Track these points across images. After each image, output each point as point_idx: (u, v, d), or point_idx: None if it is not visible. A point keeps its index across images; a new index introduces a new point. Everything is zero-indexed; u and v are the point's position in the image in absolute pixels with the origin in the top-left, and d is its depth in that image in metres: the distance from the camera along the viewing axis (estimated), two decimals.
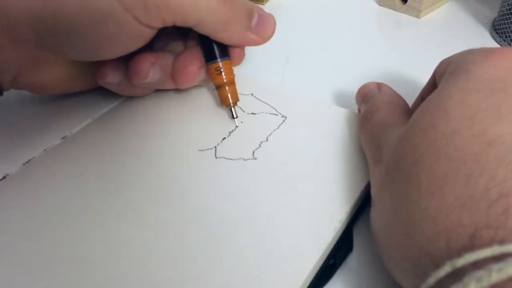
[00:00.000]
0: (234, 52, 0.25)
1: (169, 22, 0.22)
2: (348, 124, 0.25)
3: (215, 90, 0.26)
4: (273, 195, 0.21)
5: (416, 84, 0.29)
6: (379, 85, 0.24)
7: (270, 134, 0.24)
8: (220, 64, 0.25)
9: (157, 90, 0.28)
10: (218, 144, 0.24)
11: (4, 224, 0.20)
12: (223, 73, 0.25)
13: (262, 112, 0.26)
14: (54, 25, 0.20)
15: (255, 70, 0.32)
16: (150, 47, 0.25)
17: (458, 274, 0.12)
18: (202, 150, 0.24)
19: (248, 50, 0.34)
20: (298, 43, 0.36)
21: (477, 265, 0.12)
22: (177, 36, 0.26)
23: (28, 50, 0.22)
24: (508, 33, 0.35)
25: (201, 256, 0.18)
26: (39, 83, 0.24)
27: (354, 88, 0.26)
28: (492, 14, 0.40)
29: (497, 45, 0.35)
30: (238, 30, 0.24)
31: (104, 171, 0.22)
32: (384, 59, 0.34)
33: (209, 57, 0.25)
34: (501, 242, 0.12)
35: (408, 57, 0.34)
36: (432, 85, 0.21)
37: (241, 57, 0.26)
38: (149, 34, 0.22)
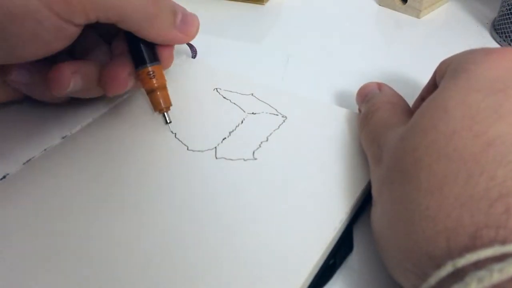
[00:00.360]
0: (163, 55, 0.25)
1: (92, 18, 0.20)
2: (348, 124, 0.25)
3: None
4: (273, 195, 0.21)
5: (416, 84, 0.29)
6: (380, 85, 0.24)
7: (270, 134, 0.24)
8: (150, 69, 0.24)
9: None
10: (218, 145, 0.24)
11: (4, 224, 0.20)
12: (154, 78, 0.24)
13: (262, 112, 0.26)
14: None
15: (255, 70, 0.32)
16: (71, 56, 0.25)
17: (459, 274, 0.13)
18: (202, 151, 0.24)
19: (248, 50, 0.35)
20: (298, 43, 0.36)
21: (478, 265, 0.12)
22: (100, 44, 0.26)
23: None
24: (508, 33, 0.35)
25: (201, 256, 0.18)
26: None
27: (354, 88, 0.26)
28: (492, 14, 0.40)
29: (497, 45, 0.35)
30: (164, 27, 0.24)
31: (104, 171, 0.22)
32: (384, 59, 0.34)
33: (139, 62, 0.24)
34: (502, 242, 0.12)
35: (408, 57, 0.34)
36: (433, 85, 0.21)
37: (171, 59, 0.26)
38: (72, 32, 0.21)
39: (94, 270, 0.18)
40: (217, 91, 0.28)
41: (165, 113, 0.25)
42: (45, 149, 0.24)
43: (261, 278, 0.17)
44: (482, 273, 0.12)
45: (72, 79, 0.22)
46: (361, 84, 0.25)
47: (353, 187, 0.21)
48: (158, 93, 0.24)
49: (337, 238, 0.19)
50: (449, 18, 0.40)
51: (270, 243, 0.19)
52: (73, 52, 0.25)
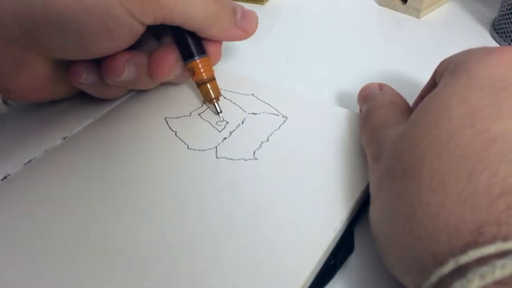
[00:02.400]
0: (211, 50, 0.26)
1: (159, 19, 0.22)
2: (348, 124, 0.25)
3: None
4: (274, 195, 0.21)
5: (416, 84, 0.29)
6: (381, 86, 0.24)
7: (271, 134, 0.24)
8: (199, 61, 0.25)
9: (157, 90, 0.28)
10: (218, 144, 0.24)
11: (5, 224, 0.20)
12: (202, 70, 0.25)
13: (263, 112, 0.26)
14: (44, 19, 0.20)
15: (256, 70, 0.32)
16: None
17: (461, 270, 0.13)
18: (203, 150, 0.24)
19: (248, 50, 0.35)
20: (298, 43, 0.36)
21: (480, 262, 0.12)
22: (150, 39, 0.27)
23: (10, 49, 0.21)
24: (508, 33, 0.35)
25: (201, 256, 0.18)
26: (16, 87, 0.23)
27: (353, 88, 0.26)
28: (492, 14, 0.40)
29: (497, 45, 0.35)
30: (225, 26, 0.25)
31: (105, 171, 0.22)
32: (384, 59, 0.34)
33: (187, 56, 0.25)
34: (504, 239, 0.12)
35: (408, 57, 0.34)
36: (433, 84, 0.21)
37: (219, 55, 0.27)
38: (139, 31, 0.22)
39: (95, 270, 0.18)
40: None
41: (216, 103, 0.26)
42: (46, 150, 0.24)
43: (262, 279, 0.17)
44: (484, 269, 0.12)
45: (126, 66, 0.24)
46: (361, 84, 0.25)
47: (354, 188, 0.21)
48: (208, 84, 0.26)
49: (337, 239, 0.19)
50: (449, 18, 0.40)
51: (271, 243, 0.19)
52: None
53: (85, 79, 0.24)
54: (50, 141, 0.25)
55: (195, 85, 0.27)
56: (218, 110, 0.26)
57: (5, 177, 0.22)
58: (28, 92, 0.24)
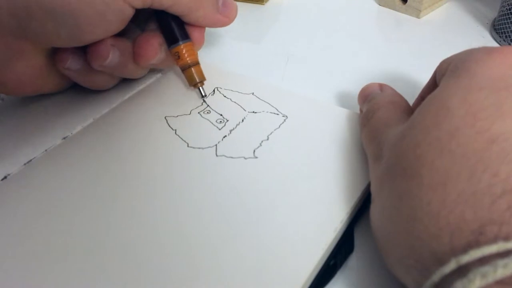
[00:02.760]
0: (194, 35, 0.27)
1: (148, 2, 0.23)
2: (349, 124, 0.25)
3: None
4: (274, 194, 0.21)
5: (416, 84, 0.29)
6: (381, 86, 0.24)
7: (271, 133, 0.24)
8: (183, 46, 0.26)
9: (157, 89, 0.28)
10: (218, 142, 0.24)
11: (5, 224, 0.20)
12: (186, 55, 0.26)
13: (263, 111, 0.26)
14: (38, 6, 0.20)
15: (255, 70, 0.32)
16: None
17: (463, 270, 0.13)
18: (202, 148, 0.24)
19: (249, 50, 0.35)
20: (298, 43, 0.36)
21: (481, 261, 0.12)
22: (134, 26, 0.27)
23: (3, 40, 0.21)
24: (508, 33, 0.35)
25: (201, 256, 0.18)
26: (9, 79, 0.24)
27: (353, 88, 0.26)
28: (492, 14, 0.40)
29: (497, 45, 0.35)
30: (209, 10, 0.26)
31: (105, 171, 0.22)
32: (384, 59, 0.34)
33: (171, 41, 0.26)
34: (506, 238, 0.12)
35: (408, 57, 0.34)
36: (433, 84, 0.21)
37: (202, 40, 0.28)
38: (129, 15, 0.23)
39: (95, 270, 0.18)
40: (218, 90, 0.28)
41: (200, 88, 0.27)
42: (46, 150, 0.24)
43: (262, 279, 0.17)
44: (486, 269, 0.12)
45: (111, 51, 0.24)
46: (361, 84, 0.25)
47: (354, 187, 0.21)
48: (192, 69, 0.26)
49: (338, 239, 0.19)
50: (449, 18, 0.40)
51: (270, 243, 0.19)
52: None
53: (71, 65, 0.25)
54: (50, 141, 0.25)
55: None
56: (203, 94, 0.27)
57: (5, 177, 0.22)
58: (21, 85, 0.25)
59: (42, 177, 0.22)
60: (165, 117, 0.26)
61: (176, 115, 0.26)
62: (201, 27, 0.27)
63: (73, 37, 0.22)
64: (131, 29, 0.26)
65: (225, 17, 0.27)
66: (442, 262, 0.13)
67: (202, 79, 0.27)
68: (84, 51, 0.25)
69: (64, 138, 0.25)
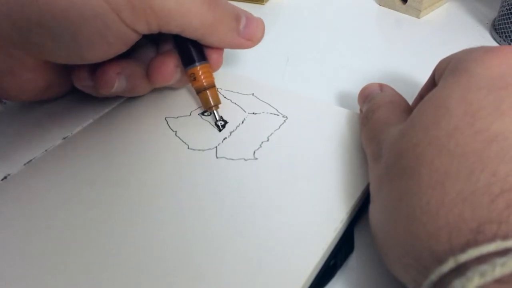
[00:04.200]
0: (212, 57, 0.25)
1: (154, 28, 0.22)
2: (349, 124, 0.25)
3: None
4: (274, 195, 0.21)
5: (416, 84, 0.29)
6: (382, 86, 0.24)
7: (271, 134, 0.24)
8: (199, 68, 0.25)
9: (157, 91, 0.28)
10: (219, 144, 0.24)
11: (5, 224, 0.20)
12: (202, 77, 0.25)
13: (263, 112, 0.26)
14: (38, 22, 0.20)
15: (255, 70, 0.32)
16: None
17: (461, 269, 0.13)
18: (203, 150, 0.24)
19: (248, 50, 0.35)
20: (298, 43, 0.36)
21: (480, 260, 0.12)
22: (148, 44, 0.26)
23: (4, 49, 0.21)
24: (508, 33, 0.35)
25: (201, 256, 0.18)
26: (10, 86, 0.23)
27: (353, 88, 0.26)
28: (492, 14, 0.40)
29: (497, 45, 0.35)
30: (226, 33, 0.24)
31: (105, 171, 0.22)
32: (384, 59, 0.34)
33: (188, 62, 0.25)
34: (505, 237, 0.12)
35: (408, 57, 0.34)
36: (432, 84, 0.21)
37: (220, 62, 0.26)
38: (133, 39, 0.22)
39: (95, 270, 0.18)
40: (218, 91, 0.28)
41: (215, 111, 0.25)
42: (46, 150, 0.24)
43: (262, 279, 0.17)
44: (484, 267, 0.12)
45: (116, 79, 0.24)
46: (361, 84, 0.25)
47: (354, 188, 0.21)
48: (208, 92, 0.25)
49: (338, 239, 0.19)
50: (449, 18, 0.40)
51: (271, 243, 0.19)
52: None
53: (86, 83, 0.25)
54: (50, 141, 0.25)
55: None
56: (217, 118, 0.25)
57: (5, 177, 0.22)
58: (21, 92, 0.24)
59: (42, 177, 0.22)
60: (165, 118, 0.26)
61: (176, 116, 0.26)
62: (220, 48, 0.26)
63: (74, 56, 0.22)
64: (145, 47, 0.26)
65: (248, 40, 0.25)
66: (440, 261, 0.13)
67: (217, 103, 0.25)
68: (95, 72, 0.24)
69: (64, 138, 0.25)
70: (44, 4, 0.19)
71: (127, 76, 0.24)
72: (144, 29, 0.22)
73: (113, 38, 0.21)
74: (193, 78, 0.25)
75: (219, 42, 0.25)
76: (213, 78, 0.25)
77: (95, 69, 0.24)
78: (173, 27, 0.22)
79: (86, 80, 0.25)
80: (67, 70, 0.25)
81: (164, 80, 0.25)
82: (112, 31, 0.21)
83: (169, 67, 0.24)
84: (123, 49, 0.23)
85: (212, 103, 0.25)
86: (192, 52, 0.24)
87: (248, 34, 0.25)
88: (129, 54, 0.25)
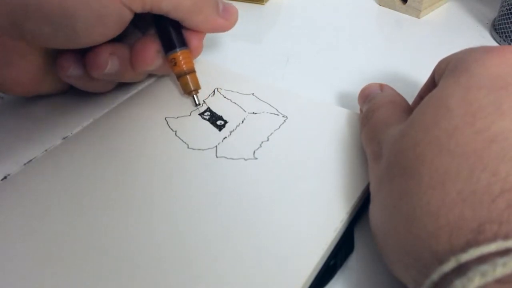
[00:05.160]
0: (193, 43, 0.26)
1: (147, 7, 0.23)
2: (349, 124, 0.25)
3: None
4: (274, 195, 0.21)
5: (416, 84, 0.29)
6: (382, 86, 0.24)
7: (271, 134, 0.24)
8: (179, 53, 0.25)
9: (157, 90, 0.28)
10: (218, 144, 0.24)
11: (5, 224, 0.20)
12: (183, 62, 0.25)
13: (263, 112, 0.26)
14: (36, 7, 0.20)
15: (255, 70, 0.32)
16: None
17: (462, 269, 0.13)
18: (203, 150, 0.24)
19: (248, 50, 0.35)
20: (298, 43, 0.36)
21: (481, 260, 0.12)
22: (134, 30, 0.27)
23: (2, 40, 0.21)
24: (508, 33, 0.35)
25: (201, 256, 0.18)
26: (7, 79, 0.24)
27: (353, 88, 0.26)
28: (492, 14, 0.40)
29: (497, 45, 0.35)
30: (210, 15, 0.26)
31: (105, 171, 0.22)
32: (384, 59, 0.34)
33: (169, 47, 0.25)
34: (505, 237, 0.12)
35: (408, 57, 0.34)
36: (432, 84, 0.21)
37: (200, 47, 0.27)
38: (127, 19, 0.23)
39: (95, 270, 0.18)
40: (217, 90, 0.28)
41: (194, 96, 0.27)
42: (46, 150, 0.24)
43: (262, 279, 0.17)
44: (485, 267, 0.12)
45: (109, 60, 0.24)
46: (361, 84, 0.25)
47: (354, 187, 0.21)
48: (187, 76, 0.26)
49: (338, 239, 0.19)
50: (449, 18, 0.40)
51: (270, 243, 0.19)
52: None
53: (72, 72, 0.25)
54: (50, 141, 0.25)
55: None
56: (197, 102, 0.26)
57: (5, 177, 0.22)
58: (18, 84, 0.24)
59: (42, 177, 0.22)
60: (165, 118, 0.26)
61: (176, 116, 0.26)
62: (200, 33, 0.27)
63: (70, 40, 0.22)
64: (132, 32, 0.26)
65: (226, 21, 0.27)
66: (441, 261, 0.13)
67: (197, 88, 0.26)
68: (84, 57, 0.24)
69: (64, 138, 0.25)
70: None
71: (119, 57, 0.25)
72: (138, 8, 0.22)
73: (110, 19, 0.22)
74: (174, 63, 0.25)
75: (204, 22, 0.26)
76: (193, 64, 0.26)
77: (81, 56, 0.24)
78: (165, 6, 0.23)
79: (74, 68, 0.25)
80: None
81: (146, 64, 0.25)
82: (109, 12, 0.21)
83: (150, 51, 0.25)
84: (118, 31, 0.23)
85: (192, 88, 0.26)
86: (173, 37, 0.25)
87: (227, 16, 0.27)
88: (117, 40, 0.25)
